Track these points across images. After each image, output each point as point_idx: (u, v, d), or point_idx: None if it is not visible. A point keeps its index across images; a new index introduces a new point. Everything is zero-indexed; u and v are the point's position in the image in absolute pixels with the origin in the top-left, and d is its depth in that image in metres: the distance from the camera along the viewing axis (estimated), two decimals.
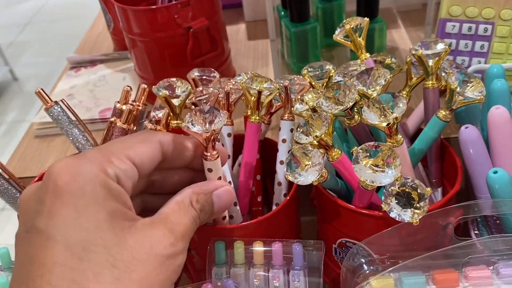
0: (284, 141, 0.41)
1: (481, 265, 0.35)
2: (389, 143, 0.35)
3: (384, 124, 0.33)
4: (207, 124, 0.32)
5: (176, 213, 0.28)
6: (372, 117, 0.33)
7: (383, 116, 0.33)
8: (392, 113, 0.33)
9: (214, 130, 0.32)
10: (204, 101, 0.40)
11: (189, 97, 0.38)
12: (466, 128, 0.37)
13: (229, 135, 0.42)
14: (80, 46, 0.76)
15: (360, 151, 0.31)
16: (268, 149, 0.44)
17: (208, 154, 0.33)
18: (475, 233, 0.41)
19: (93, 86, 0.63)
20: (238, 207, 0.42)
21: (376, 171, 0.30)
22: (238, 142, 0.43)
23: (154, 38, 0.52)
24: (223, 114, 0.32)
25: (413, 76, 0.42)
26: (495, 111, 0.37)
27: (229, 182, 0.41)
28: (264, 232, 0.38)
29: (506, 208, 0.36)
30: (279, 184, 0.42)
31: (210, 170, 0.33)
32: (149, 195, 0.33)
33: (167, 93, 0.37)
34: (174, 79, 0.38)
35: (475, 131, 0.37)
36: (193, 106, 0.39)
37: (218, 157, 0.33)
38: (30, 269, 0.24)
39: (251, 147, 0.41)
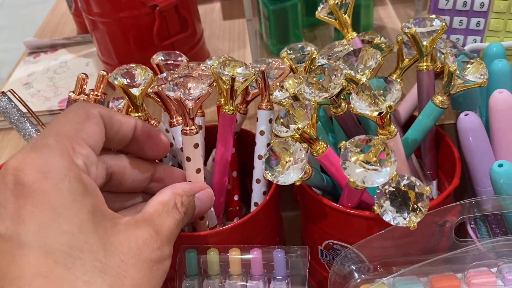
0: (262, 133, 0.37)
1: (483, 268, 0.31)
2: (381, 136, 0.30)
3: (376, 114, 0.29)
4: (189, 91, 0.30)
5: (161, 215, 0.25)
6: (361, 105, 0.29)
7: (374, 105, 0.28)
8: (384, 100, 0.28)
9: (197, 98, 0.30)
10: None
11: (151, 86, 0.33)
12: (466, 115, 0.33)
13: (200, 127, 0.37)
14: (40, 29, 0.69)
15: (349, 146, 0.27)
16: (245, 142, 0.40)
17: (188, 128, 0.31)
18: (471, 227, 0.38)
19: (53, 73, 0.57)
20: (212, 208, 0.37)
21: (368, 169, 0.26)
22: (211, 134, 0.39)
23: (116, 18, 0.47)
24: (203, 82, 0.31)
25: (405, 58, 0.38)
26: (498, 96, 0.33)
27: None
28: (242, 237, 0.34)
29: (511, 204, 0.32)
30: (258, 181, 0.37)
31: (196, 145, 0.32)
32: (105, 193, 0.28)
33: (125, 81, 0.32)
34: (133, 65, 0.33)
35: (476, 119, 0.33)
36: (156, 97, 0.34)
37: (197, 132, 0.31)
38: None
39: (225, 140, 0.37)
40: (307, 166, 0.31)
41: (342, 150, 0.27)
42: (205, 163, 0.41)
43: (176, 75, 0.32)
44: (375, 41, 0.38)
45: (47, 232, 0.20)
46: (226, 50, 0.57)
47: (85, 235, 0.21)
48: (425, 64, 0.35)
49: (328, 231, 0.35)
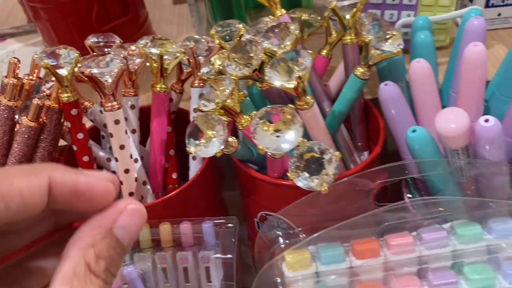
0: (195, 110, 0.37)
1: (404, 231, 0.33)
2: (298, 106, 0.31)
3: (290, 85, 0.30)
4: (105, 67, 0.32)
5: None
6: (275, 77, 0.30)
7: (287, 76, 0.29)
8: (298, 71, 0.29)
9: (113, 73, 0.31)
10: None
11: (78, 66, 0.33)
12: (385, 85, 0.34)
13: (132, 106, 0.38)
14: None
15: (258, 115, 0.27)
16: (183, 121, 0.40)
17: (109, 104, 0.33)
18: (407, 197, 0.39)
19: (1, 63, 0.57)
20: (148, 186, 0.38)
21: (273, 136, 0.27)
22: (149, 115, 0.39)
23: (56, 4, 0.46)
24: (119, 57, 0.33)
25: (332, 33, 0.39)
26: (415, 65, 0.34)
27: (136, 160, 0.37)
28: (176, 212, 0.35)
29: (428, 168, 0.33)
30: (194, 158, 0.38)
31: (117, 121, 0.33)
32: None
33: (49, 62, 0.32)
34: (61, 46, 0.34)
35: (395, 88, 0.34)
36: (84, 77, 0.35)
37: (119, 108, 0.33)
38: None
39: (159, 119, 0.37)
40: (232, 140, 0.32)
41: (252, 119, 0.28)
42: (144, 144, 0.41)
43: (96, 55, 0.32)
44: (303, 18, 0.39)
45: None
46: (174, 34, 0.57)
47: None
48: (348, 37, 0.36)
49: (260, 203, 0.36)
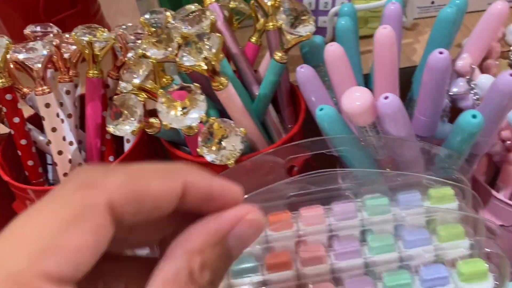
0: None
1: (317, 203, 0.35)
2: (214, 87, 0.33)
3: (202, 67, 0.32)
4: (33, 52, 0.34)
5: None
6: (186, 59, 0.31)
7: (197, 58, 0.31)
8: (204, 52, 0.31)
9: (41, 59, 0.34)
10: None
11: (10, 53, 0.35)
12: (301, 68, 0.36)
13: (68, 92, 0.40)
14: None
15: (164, 93, 0.29)
16: None
17: (39, 89, 0.35)
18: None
19: None
20: None
21: (175, 111, 0.29)
22: None
23: None
24: (47, 44, 0.35)
25: (260, 20, 0.40)
26: (329, 48, 0.36)
27: (71, 143, 0.39)
28: None
29: (340, 145, 0.35)
30: (127, 141, 0.40)
31: (47, 105, 0.35)
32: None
33: None
34: None
35: (310, 71, 0.36)
36: (17, 65, 0.37)
37: (49, 92, 0.35)
38: None
39: (93, 103, 0.39)
40: (154, 120, 0.34)
41: (158, 97, 0.30)
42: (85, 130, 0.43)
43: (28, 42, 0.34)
44: (230, 5, 0.41)
45: None
46: None
47: None
48: (271, 23, 0.38)
49: None
